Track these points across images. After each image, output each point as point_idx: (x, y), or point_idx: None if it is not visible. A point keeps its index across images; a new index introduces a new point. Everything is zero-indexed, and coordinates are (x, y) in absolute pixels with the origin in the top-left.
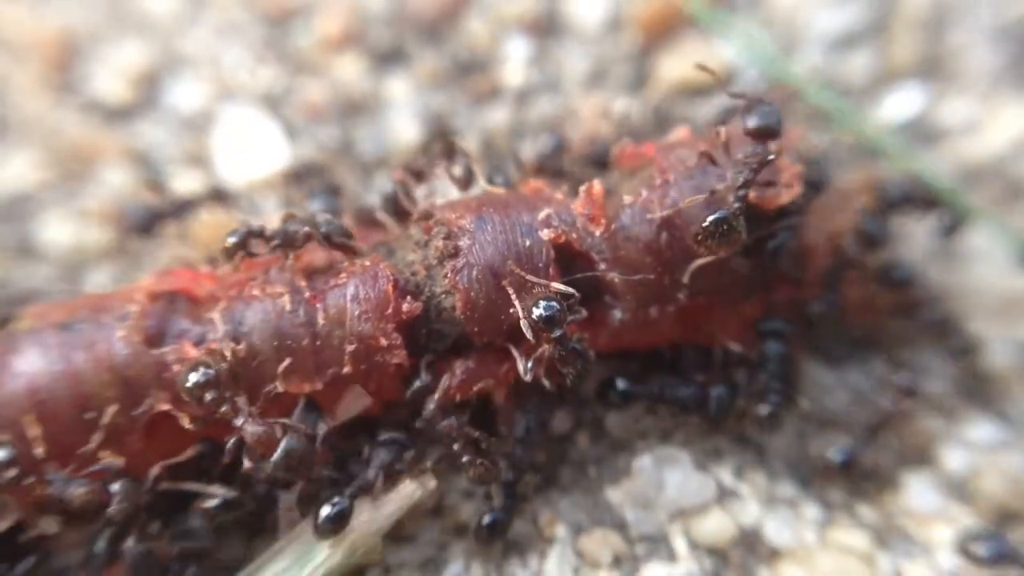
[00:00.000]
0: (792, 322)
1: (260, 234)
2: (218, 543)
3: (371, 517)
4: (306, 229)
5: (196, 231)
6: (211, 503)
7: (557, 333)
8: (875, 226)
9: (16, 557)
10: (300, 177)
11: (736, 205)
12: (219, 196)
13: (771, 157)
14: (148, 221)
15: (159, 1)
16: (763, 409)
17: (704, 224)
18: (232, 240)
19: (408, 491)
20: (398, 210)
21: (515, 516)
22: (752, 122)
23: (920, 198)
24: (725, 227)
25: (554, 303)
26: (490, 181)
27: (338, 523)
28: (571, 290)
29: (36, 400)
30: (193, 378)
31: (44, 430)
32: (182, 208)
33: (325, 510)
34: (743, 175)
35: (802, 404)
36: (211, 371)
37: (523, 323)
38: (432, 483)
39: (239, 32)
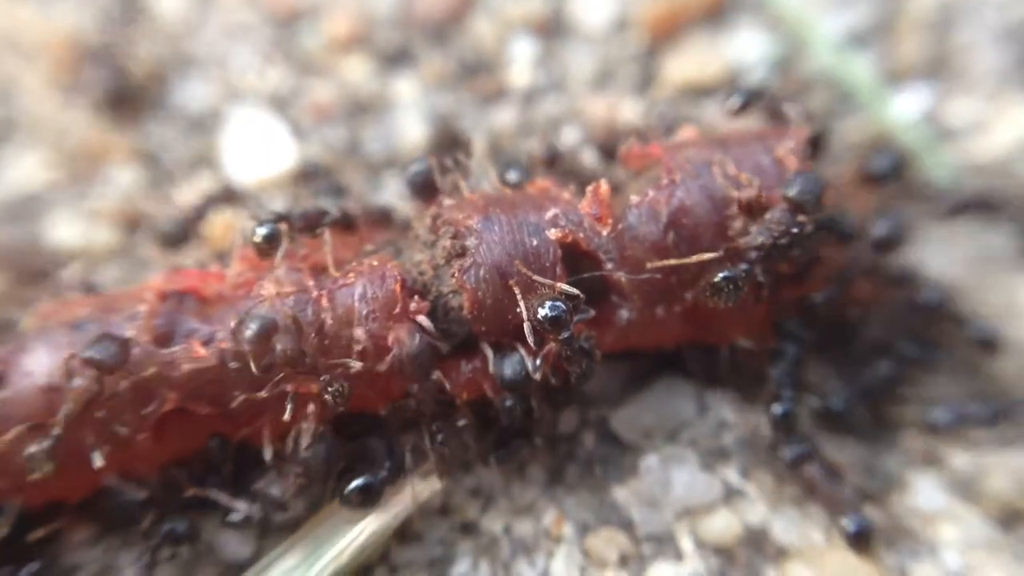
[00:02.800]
0: (805, 323)
1: (286, 218)
2: None
3: (379, 516)
4: (323, 209)
5: (204, 231)
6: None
7: (564, 334)
8: (889, 227)
9: (24, 558)
10: (307, 177)
11: (743, 268)
12: (231, 195)
13: (795, 231)
14: (182, 231)
15: (167, 2)
16: (777, 408)
17: (714, 280)
18: (264, 232)
19: (415, 491)
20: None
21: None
22: (791, 191)
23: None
24: (732, 286)
25: (559, 303)
26: (503, 179)
27: (366, 496)
28: (575, 291)
29: (47, 399)
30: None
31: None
32: (204, 209)
33: (356, 481)
34: (763, 237)
35: (811, 403)
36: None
37: (526, 325)
38: (438, 482)
39: (247, 33)
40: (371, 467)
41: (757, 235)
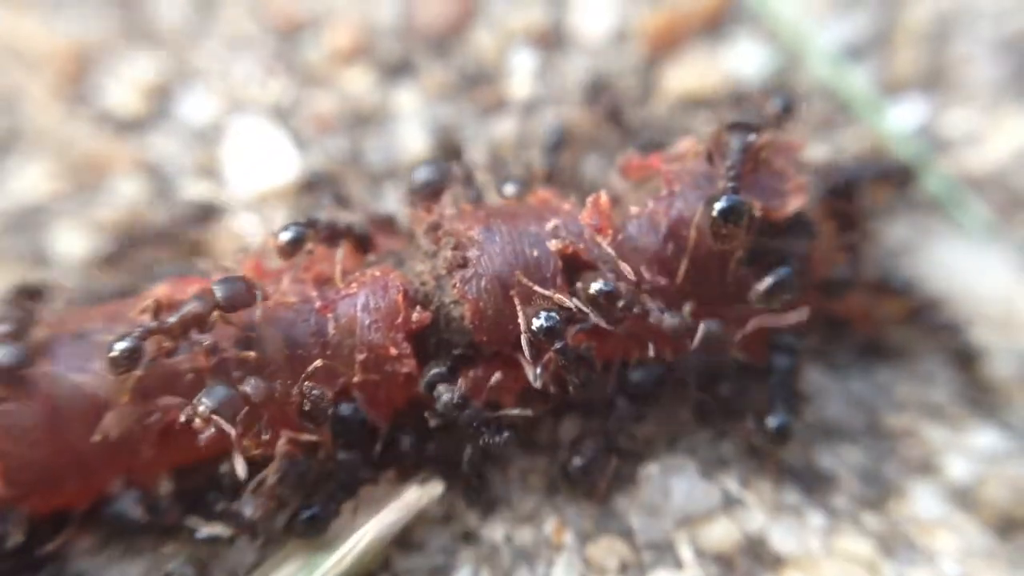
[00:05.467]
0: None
1: (313, 226)
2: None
3: (379, 523)
4: (347, 222)
5: (209, 240)
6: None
7: (557, 344)
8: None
9: (33, 569)
10: (309, 188)
11: (731, 185)
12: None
13: (751, 139)
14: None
15: (170, 14)
16: (772, 421)
17: (713, 216)
18: (288, 236)
19: (414, 498)
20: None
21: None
22: (732, 118)
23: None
24: (734, 215)
25: (554, 314)
26: (501, 191)
27: (313, 526)
28: (571, 303)
29: (52, 407)
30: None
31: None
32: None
33: (306, 512)
34: (731, 160)
35: (806, 412)
36: None
37: (523, 336)
38: (439, 489)
39: (249, 45)
40: (326, 496)
41: (727, 166)
